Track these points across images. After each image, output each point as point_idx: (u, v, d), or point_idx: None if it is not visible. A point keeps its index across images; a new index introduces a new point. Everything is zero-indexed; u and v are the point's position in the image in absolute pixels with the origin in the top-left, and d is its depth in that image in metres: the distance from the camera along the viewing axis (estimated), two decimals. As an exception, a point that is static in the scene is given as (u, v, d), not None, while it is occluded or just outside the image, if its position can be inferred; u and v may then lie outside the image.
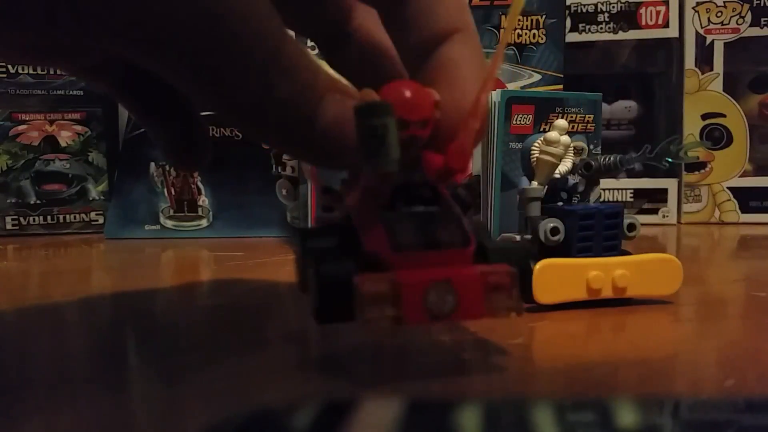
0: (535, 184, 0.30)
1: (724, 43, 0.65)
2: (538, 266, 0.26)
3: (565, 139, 0.30)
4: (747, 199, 0.66)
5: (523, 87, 0.59)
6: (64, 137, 0.61)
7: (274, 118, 0.17)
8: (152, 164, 0.59)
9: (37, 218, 0.60)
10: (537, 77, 0.60)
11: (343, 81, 0.18)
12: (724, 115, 0.66)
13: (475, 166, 0.43)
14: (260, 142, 0.19)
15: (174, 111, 0.23)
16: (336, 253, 0.17)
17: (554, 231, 0.28)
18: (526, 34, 0.60)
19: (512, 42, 0.59)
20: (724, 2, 0.65)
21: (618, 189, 0.67)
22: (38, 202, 0.60)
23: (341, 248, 0.18)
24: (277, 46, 0.16)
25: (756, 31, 0.65)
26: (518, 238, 0.30)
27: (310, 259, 0.17)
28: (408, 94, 0.17)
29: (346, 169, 0.20)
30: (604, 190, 0.66)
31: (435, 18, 0.18)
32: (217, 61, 0.15)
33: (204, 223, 0.58)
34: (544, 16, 0.60)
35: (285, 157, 0.53)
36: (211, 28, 0.15)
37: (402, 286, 0.16)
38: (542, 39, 0.60)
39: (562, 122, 0.32)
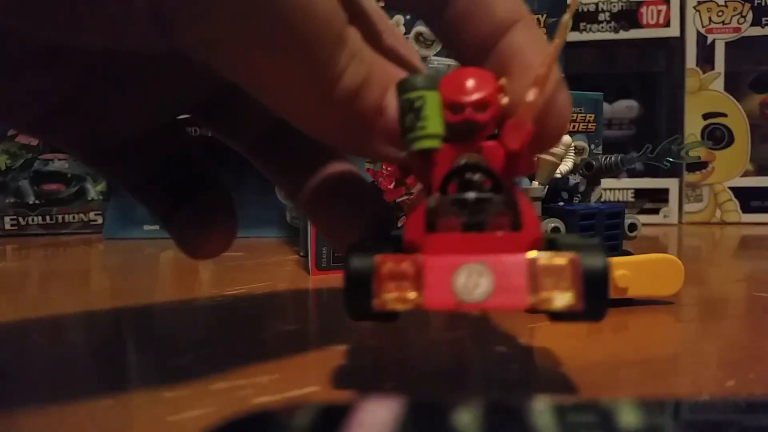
0: (536, 183, 0.30)
1: (726, 43, 0.65)
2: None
3: (566, 138, 0.30)
4: (748, 199, 0.66)
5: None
6: (64, 137, 0.61)
7: (340, 111, 0.15)
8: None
9: (35, 218, 0.60)
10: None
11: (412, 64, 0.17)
12: (725, 115, 0.66)
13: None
14: (321, 140, 0.17)
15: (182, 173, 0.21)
16: (373, 246, 0.15)
17: (555, 231, 0.28)
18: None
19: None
20: (725, 1, 0.65)
21: (619, 189, 0.67)
22: (37, 202, 0.60)
23: (385, 243, 0.16)
24: (341, 29, 0.15)
25: (757, 31, 0.65)
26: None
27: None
28: (464, 75, 0.15)
29: (411, 162, 0.17)
30: (605, 189, 0.66)
31: (494, 9, 0.17)
32: (278, 51, 0.14)
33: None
34: (545, 16, 0.60)
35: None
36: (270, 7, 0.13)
37: (425, 266, 0.14)
38: (543, 38, 0.60)
39: (562, 122, 0.32)
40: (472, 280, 0.14)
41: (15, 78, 0.17)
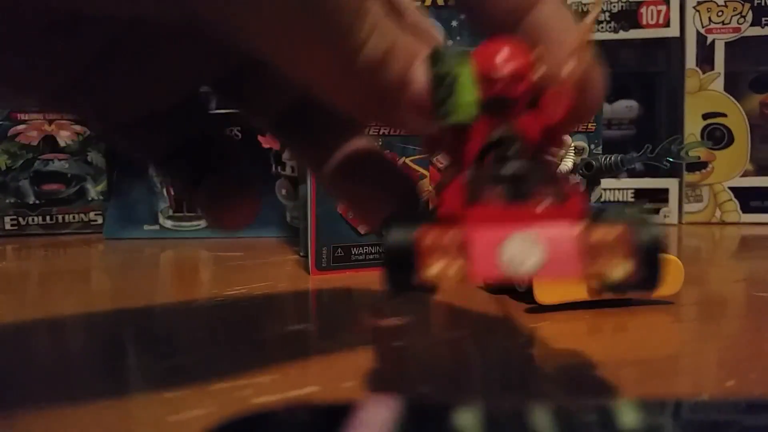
0: (535, 183, 0.30)
1: (725, 43, 0.65)
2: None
3: (566, 138, 0.30)
4: (748, 199, 0.65)
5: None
6: (63, 137, 0.61)
7: (364, 82, 0.15)
8: (152, 164, 0.58)
9: (36, 218, 0.60)
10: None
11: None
12: (725, 115, 0.66)
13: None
14: (343, 112, 0.17)
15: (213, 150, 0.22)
16: (410, 218, 0.15)
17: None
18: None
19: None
20: (725, 2, 0.65)
21: (619, 189, 0.67)
22: (37, 202, 0.60)
23: (421, 216, 0.15)
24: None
25: (757, 31, 0.65)
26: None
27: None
28: (497, 46, 0.15)
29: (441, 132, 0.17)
30: (605, 189, 0.66)
31: None
32: (296, 18, 0.14)
33: (203, 223, 0.58)
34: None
35: (285, 156, 0.53)
36: None
37: (470, 237, 0.13)
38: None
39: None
40: (523, 252, 0.14)
41: (36, 47, 0.17)
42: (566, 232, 0.14)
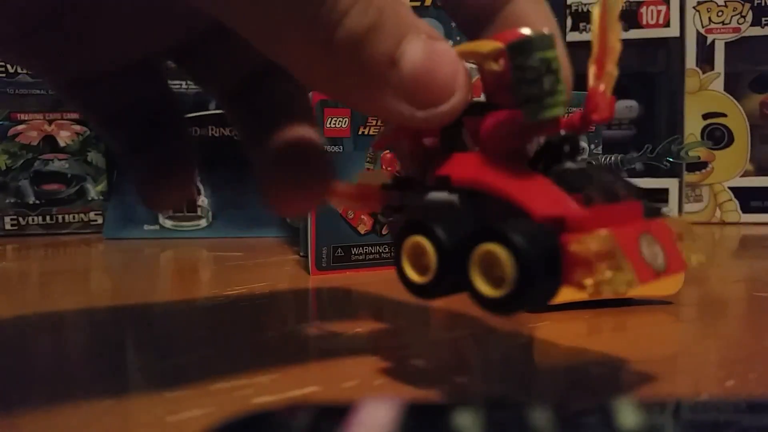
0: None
1: (725, 43, 0.65)
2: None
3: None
4: (748, 199, 0.65)
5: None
6: (63, 137, 0.61)
7: (343, 60, 0.13)
8: (152, 164, 0.58)
9: (36, 218, 0.60)
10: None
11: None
12: (725, 115, 0.66)
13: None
14: (326, 94, 0.16)
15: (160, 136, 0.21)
16: (522, 225, 0.13)
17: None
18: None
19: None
20: (725, 2, 0.65)
21: (618, 189, 0.67)
22: (37, 202, 0.60)
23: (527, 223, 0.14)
24: None
25: (757, 31, 0.65)
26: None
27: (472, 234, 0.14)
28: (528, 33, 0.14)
29: (430, 123, 0.15)
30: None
31: None
32: None
33: (203, 223, 0.58)
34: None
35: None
36: None
37: (619, 240, 0.13)
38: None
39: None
40: (651, 250, 0.14)
41: None
42: (666, 229, 0.14)
